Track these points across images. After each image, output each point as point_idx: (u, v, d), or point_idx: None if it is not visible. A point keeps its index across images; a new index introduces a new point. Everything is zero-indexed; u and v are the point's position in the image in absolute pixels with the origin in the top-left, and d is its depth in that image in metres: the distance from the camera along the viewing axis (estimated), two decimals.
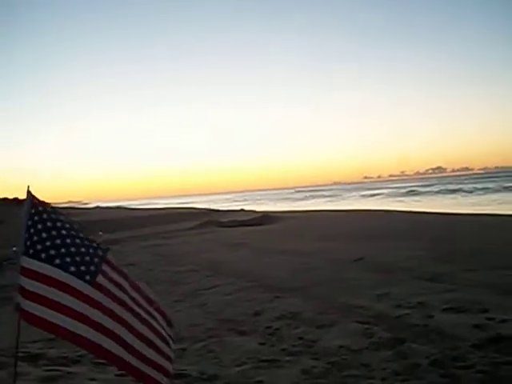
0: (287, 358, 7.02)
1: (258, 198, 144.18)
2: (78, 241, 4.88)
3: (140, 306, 4.83)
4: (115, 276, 4.82)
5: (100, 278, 4.74)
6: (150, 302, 4.96)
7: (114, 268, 4.89)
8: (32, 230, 4.86)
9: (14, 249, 30.92)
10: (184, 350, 7.97)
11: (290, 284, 12.29)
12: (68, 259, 4.78)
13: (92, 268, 4.79)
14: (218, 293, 12.31)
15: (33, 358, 6.92)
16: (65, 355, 7.35)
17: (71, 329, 4.69)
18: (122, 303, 4.71)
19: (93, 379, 6.01)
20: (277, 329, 8.58)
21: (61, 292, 4.71)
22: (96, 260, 4.82)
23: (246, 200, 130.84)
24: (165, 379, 4.78)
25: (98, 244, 5.03)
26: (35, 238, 4.84)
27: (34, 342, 8.42)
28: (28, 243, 4.82)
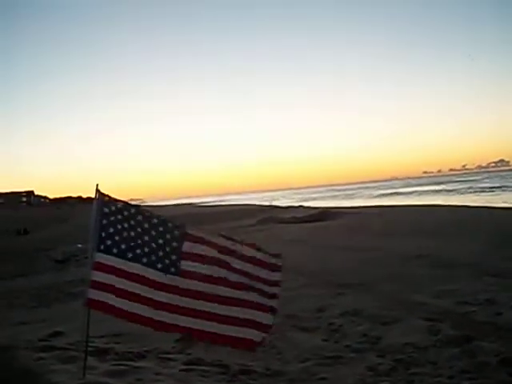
0: (351, 355, 6.99)
1: (318, 194, 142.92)
2: (153, 233, 5.05)
3: (235, 269, 4.98)
4: (201, 250, 4.97)
5: (183, 263, 4.92)
6: (250, 259, 5.09)
7: (197, 241, 5.03)
8: (103, 227, 5.05)
9: (79, 245, 31.92)
10: None
11: (352, 280, 12.20)
12: (140, 252, 4.96)
13: (173, 257, 4.96)
14: (279, 288, 12.32)
15: (100, 353, 7.06)
16: (131, 350, 7.49)
17: (139, 312, 4.88)
18: (210, 280, 4.86)
19: (159, 373, 6.12)
20: (340, 325, 8.54)
21: (132, 282, 4.90)
22: (175, 248, 4.98)
23: (308, 196, 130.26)
24: (262, 335, 4.95)
25: (174, 225, 5.17)
26: (107, 235, 5.03)
27: (101, 336, 8.63)
28: (100, 239, 5.01)
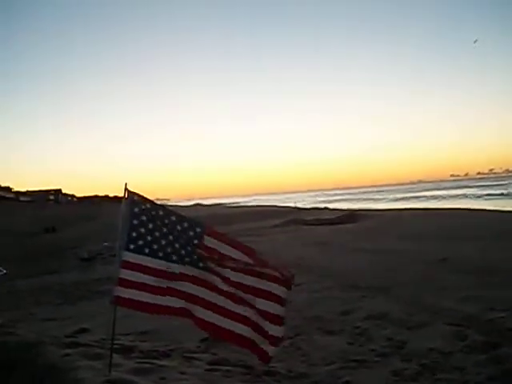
0: (376, 359, 6.94)
1: (347, 196, 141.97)
2: (177, 231, 5.12)
3: (248, 273, 5.01)
4: (219, 248, 5.03)
5: (202, 262, 4.99)
6: (262, 263, 5.11)
7: (216, 237, 5.10)
8: (133, 227, 5.10)
9: (106, 244, 32.32)
10: None
11: (377, 283, 12.12)
12: (168, 250, 5.03)
13: (192, 256, 5.04)
14: (304, 290, 12.29)
15: (125, 350, 7.11)
16: (156, 349, 7.53)
17: (166, 304, 4.95)
18: (225, 279, 4.93)
19: (183, 373, 6.13)
20: (365, 329, 8.48)
21: (159, 278, 4.97)
22: (194, 242, 5.07)
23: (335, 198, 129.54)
24: (270, 348, 4.95)
25: (193, 223, 5.24)
26: (137, 234, 5.09)
27: (127, 334, 8.72)
28: (129, 239, 5.07)
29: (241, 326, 5.05)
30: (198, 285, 5.00)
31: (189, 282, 5.01)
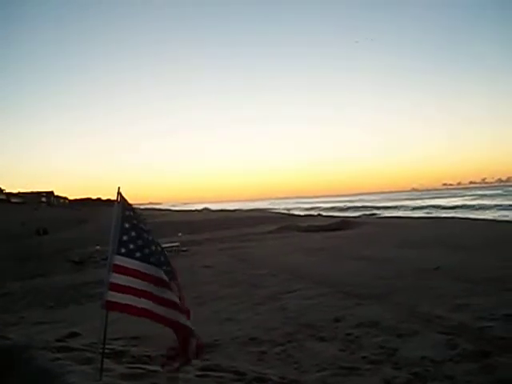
0: (368, 366, 6.94)
1: (339, 204, 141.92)
2: (152, 239, 5.28)
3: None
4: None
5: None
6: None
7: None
8: (125, 231, 5.11)
9: (98, 247, 32.28)
10: (264, 352, 8.06)
11: (369, 291, 12.14)
12: (158, 256, 5.08)
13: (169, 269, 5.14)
14: (297, 297, 12.32)
15: (116, 355, 7.09)
16: (147, 353, 7.51)
17: (152, 309, 4.99)
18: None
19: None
20: (357, 336, 8.49)
21: (150, 283, 4.99)
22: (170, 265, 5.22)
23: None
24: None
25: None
26: (129, 238, 5.09)
27: (118, 339, 8.69)
28: (120, 243, 5.07)
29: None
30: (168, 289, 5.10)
31: (166, 288, 5.08)
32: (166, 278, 5.01)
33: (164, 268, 5.10)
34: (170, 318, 5.03)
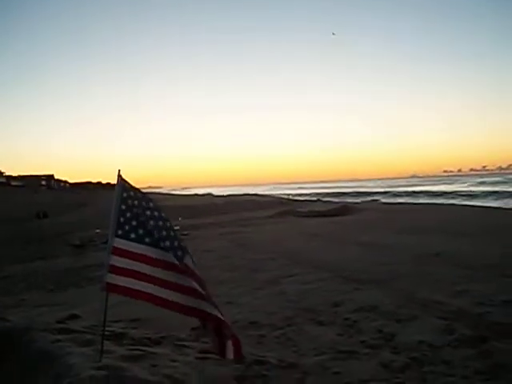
0: (366, 351, 6.98)
1: (340, 189, 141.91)
2: (161, 220, 5.19)
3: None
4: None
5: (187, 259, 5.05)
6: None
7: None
8: (122, 212, 5.12)
9: (98, 231, 32.32)
10: (263, 336, 8.10)
11: (369, 276, 12.19)
12: (156, 236, 5.04)
13: (178, 251, 5.07)
14: (296, 282, 12.35)
15: (116, 337, 7.11)
16: (147, 336, 7.53)
17: (153, 293, 4.98)
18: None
19: (174, 361, 6.14)
20: (355, 321, 8.53)
21: (148, 265, 4.99)
22: (180, 245, 5.13)
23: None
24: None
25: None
26: (125, 220, 5.10)
27: (118, 321, 8.73)
28: (118, 225, 5.08)
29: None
30: (177, 272, 5.03)
31: (172, 271, 5.03)
32: (173, 261, 4.98)
33: (170, 249, 5.06)
34: (187, 305, 5.01)
